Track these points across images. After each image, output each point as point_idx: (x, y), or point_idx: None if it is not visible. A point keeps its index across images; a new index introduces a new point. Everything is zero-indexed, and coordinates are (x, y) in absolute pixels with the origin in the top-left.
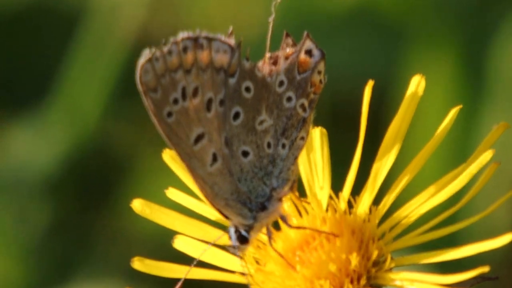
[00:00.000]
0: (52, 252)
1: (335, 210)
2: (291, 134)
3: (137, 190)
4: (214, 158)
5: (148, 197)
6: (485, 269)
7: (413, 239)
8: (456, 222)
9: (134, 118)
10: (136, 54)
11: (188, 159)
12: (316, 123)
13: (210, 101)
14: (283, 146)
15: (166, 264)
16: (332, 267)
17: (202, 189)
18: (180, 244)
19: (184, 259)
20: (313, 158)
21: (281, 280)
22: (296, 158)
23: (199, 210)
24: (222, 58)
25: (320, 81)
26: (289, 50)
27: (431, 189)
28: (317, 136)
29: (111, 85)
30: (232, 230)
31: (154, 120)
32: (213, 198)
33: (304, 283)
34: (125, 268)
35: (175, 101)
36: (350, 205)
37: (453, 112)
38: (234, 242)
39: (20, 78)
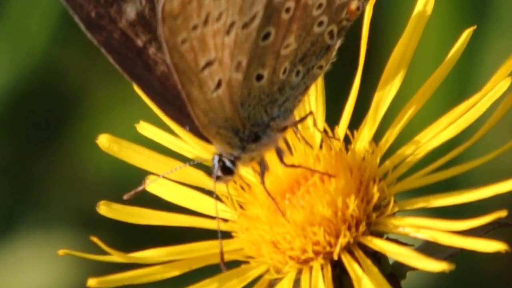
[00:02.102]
0: None
1: (330, 147)
2: (309, 61)
3: (89, 125)
4: (218, 84)
5: (102, 132)
6: (502, 213)
7: (419, 179)
8: (464, 161)
9: (85, 45)
10: None
11: (189, 85)
12: None
13: (232, 25)
14: (297, 73)
15: (137, 209)
16: (327, 212)
17: (195, 115)
18: (152, 185)
19: (154, 203)
20: None
21: (268, 227)
22: (307, 88)
23: (174, 146)
24: None
25: (358, 8)
26: None
27: (441, 122)
28: None
29: (60, 6)
30: (216, 158)
31: (164, 46)
32: (204, 126)
33: (294, 230)
34: (77, 214)
35: (195, 28)
36: (347, 141)
37: (465, 35)
38: (216, 171)
39: None
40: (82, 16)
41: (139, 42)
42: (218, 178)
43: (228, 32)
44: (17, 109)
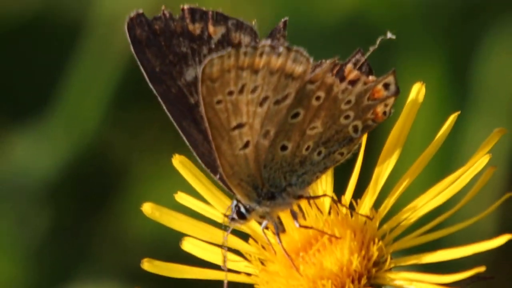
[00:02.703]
0: (52, 255)
1: (338, 213)
2: (331, 146)
3: (133, 194)
4: (246, 145)
5: (145, 201)
6: (481, 269)
7: (412, 240)
8: (449, 225)
9: (129, 126)
10: (133, 65)
11: (220, 139)
12: None
13: (265, 99)
14: (319, 153)
15: (176, 265)
16: (334, 268)
17: (221, 165)
18: (188, 245)
19: (186, 260)
20: None
21: (285, 280)
22: (326, 168)
23: (207, 213)
24: (296, 68)
25: (384, 113)
26: (371, 78)
27: (431, 192)
28: None
29: (109, 95)
30: (234, 203)
31: (201, 102)
32: (228, 176)
33: (307, 283)
34: (122, 269)
35: (230, 93)
36: (352, 208)
37: (451, 119)
38: (232, 214)
39: (22, 87)
40: (148, 69)
41: (192, 100)
42: (232, 219)
43: (261, 104)
44: (74, 181)
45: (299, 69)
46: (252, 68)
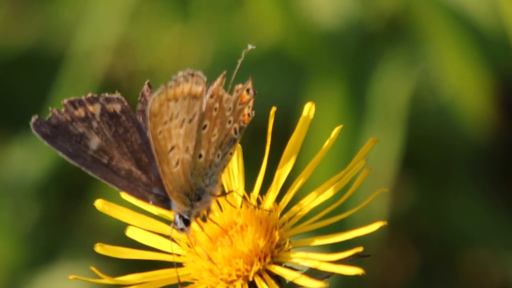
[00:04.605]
0: (41, 240)
1: (247, 206)
2: (224, 148)
3: (102, 193)
4: (177, 163)
5: (109, 198)
6: (359, 249)
7: (306, 227)
8: (340, 213)
9: None
10: (103, 90)
11: (163, 163)
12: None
13: (183, 121)
14: (218, 155)
15: (121, 248)
16: (245, 249)
17: (166, 184)
18: (131, 233)
19: (136, 245)
20: (231, 167)
21: (207, 259)
22: (224, 167)
23: (145, 207)
24: (198, 89)
25: (248, 115)
26: (240, 86)
27: (320, 189)
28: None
29: None
30: (177, 216)
31: (150, 137)
32: (170, 192)
33: (223, 261)
34: (95, 251)
35: (165, 123)
36: (259, 202)
37: (336, 130)
38: (180, 225)
39: (20, 107)
40: (64, 151)
41: (104, 160)
42: (181, 229)
43: (181, 126)
44: (58, 182)
45: (199, 89)
46: (175, 98)
